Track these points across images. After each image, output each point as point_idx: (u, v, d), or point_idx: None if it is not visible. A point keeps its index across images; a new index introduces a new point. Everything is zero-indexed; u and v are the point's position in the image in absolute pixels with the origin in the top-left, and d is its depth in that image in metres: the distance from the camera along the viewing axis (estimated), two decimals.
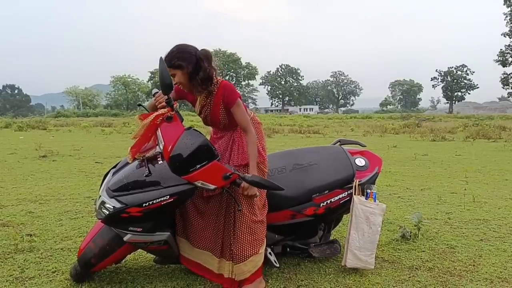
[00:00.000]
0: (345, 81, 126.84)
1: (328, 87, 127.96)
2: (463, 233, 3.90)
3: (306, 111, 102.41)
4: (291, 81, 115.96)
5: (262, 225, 2.74)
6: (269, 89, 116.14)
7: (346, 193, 3.03)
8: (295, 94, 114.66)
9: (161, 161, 2.56)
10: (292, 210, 2.96)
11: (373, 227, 2.93)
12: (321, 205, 2.98)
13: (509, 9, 46.99)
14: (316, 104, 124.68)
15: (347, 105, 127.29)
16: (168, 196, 2.45)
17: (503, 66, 48.72)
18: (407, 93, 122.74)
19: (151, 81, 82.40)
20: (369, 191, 2.98)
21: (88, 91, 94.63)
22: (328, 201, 3.00)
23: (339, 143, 3.42)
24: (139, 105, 2.72)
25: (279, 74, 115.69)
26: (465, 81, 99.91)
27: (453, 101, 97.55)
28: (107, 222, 2.58)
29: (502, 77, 51.07)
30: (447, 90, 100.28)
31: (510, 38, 47.62)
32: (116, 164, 2.76)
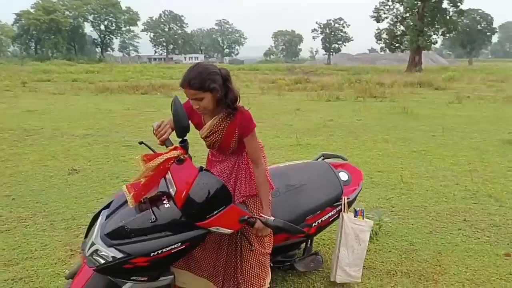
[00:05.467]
0: (230, 30, 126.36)
1: (213, 36, 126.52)
2: (412, 225, 4.21)
3: (192, 60, 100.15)
4: (175, 28, 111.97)
5: (268, 256, 2.67)
6: (152, 36, 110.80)
7: (335, 210, 3.07)
8: (179, 42, 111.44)
9: (167, 204, 2.30)
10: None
11: (362, 243, 3.03)
12: (313, 225, 2.98)
13: None
14: (201, 53, 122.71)
15: (232, 54, 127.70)
16: (179, 243, 2.22)
17: (377, 22, 51.83)
18: (289, 43, 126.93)
19: (17, 24, 72.99)
20: (358, 209, 3.05)
21: None
22: (320, 220, 3.01)
23: (322, 157, 3.41)
24: (141, 143, 2.36)
25: (162, 20, 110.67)
26: (342, 33, 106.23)
27: (331, 53, 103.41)
28: (103, 272, 2.27)
29: (376, 32, 54.70)
30: (325, 42, 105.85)
31: None
32: (109, 203, 2.40)
